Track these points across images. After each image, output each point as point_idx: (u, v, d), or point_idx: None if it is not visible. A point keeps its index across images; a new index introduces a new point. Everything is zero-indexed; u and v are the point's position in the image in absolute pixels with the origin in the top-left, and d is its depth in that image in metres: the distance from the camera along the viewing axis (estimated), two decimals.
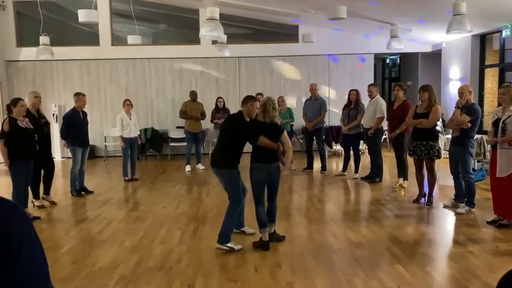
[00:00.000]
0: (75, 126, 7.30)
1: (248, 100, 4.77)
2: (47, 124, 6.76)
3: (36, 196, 6.69)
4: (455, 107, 5.81)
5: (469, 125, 5.61)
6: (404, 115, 6.69)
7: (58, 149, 10.83)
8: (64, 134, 7.42)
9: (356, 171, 8.40)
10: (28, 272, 0.88)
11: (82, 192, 7.52)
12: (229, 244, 4.54)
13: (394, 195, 7.01)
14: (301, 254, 4.44)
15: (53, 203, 6.80)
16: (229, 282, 3.78)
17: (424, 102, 6.12)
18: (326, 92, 12.07)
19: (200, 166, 9.78)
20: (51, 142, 6.91)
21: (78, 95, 7.55)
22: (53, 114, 11.50)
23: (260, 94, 9.40)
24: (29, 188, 6.46)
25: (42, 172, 6.78)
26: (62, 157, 11.18)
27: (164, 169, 10.11)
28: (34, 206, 6.58)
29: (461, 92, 5.73)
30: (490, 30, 9.51)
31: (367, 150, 9.26)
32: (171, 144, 11.82)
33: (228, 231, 4.60)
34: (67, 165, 10.90)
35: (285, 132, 4.71)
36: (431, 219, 5.79)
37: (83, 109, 7.56)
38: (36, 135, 6.22)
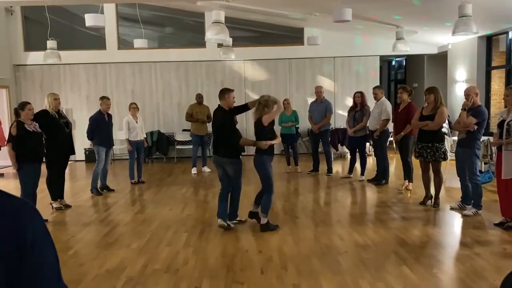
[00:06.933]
0: (99, 127, 7.73)
1: (224, 93, 5.41)
2: (68, 125, 6.83)
3: (55, 197, 6.76)
4: (462, 109, 5.80)
5: (476, 127, 5.59)
6: (409, 117, 6.69)
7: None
8: (89, 135, 7.82)
9: (362, 173, 8.39)
10: (40, 268, 0.90)
11: (104, 190, 7.91)
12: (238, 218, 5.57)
13: (400, 197, 6.99)
14: (308, 256, 4.44)
15: (67, 206, 6.85)
16: (235, 284, 3.80)
17: (430, 104, 6.11)
18: (332, 94, 12.06)
19: (206, 169, 9.81)
20: (73, 142, 7.00)
21: (103, 99, 7.94)
22: None
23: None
24: (48, 189, 6.68)
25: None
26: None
27: (170, 172, 10.15)
28: (52, 208, 6.65)
29: (467, 94, 5.71)
30: (496, 32, 9.47)
31: (373, 153, 9.25)
32: (177, 147, 11.86)
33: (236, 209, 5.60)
34: (73, 168, 10.98)
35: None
36: (437, 221, 5.77)
37: (108, 111, 7.95)
38: (45, 137, 6.31)
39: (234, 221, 5.56)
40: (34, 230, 0.90)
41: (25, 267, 0.87)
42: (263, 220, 5.31)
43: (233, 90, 5.56)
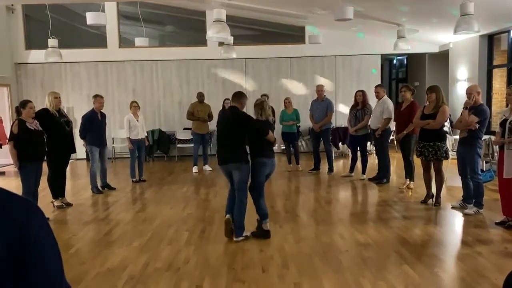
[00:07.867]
0: (92, 126, 7.63)
1: (241, 97, 5.12)
2: (68, 123, 6.82)
3: (56, 195, 6.76)
4: (463, 108, 5.78)
5: (477, 126, 5.58)
6: (411, 116, 6.68)
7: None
8: (82, 134, 7.72)
9: (363, 172, 8.39)
10: (44, 267, 0.89)
11: (105, 189, 7.87)
12: (244, 234, 4.96)
13: (401, 196, 6.99)
14: (309, 255, 4.44)
15: (68, 205, 6.85)
16: (236, 282, 3.80)
17: (432, 103, 6.10)
18: (333, 93, 12.05)
19: (207, 168, 9.81)
20: (73, 140, 7.01)
21: (96, 97, 7.87)
22: None
23: (266, 95, 9.40)
24: (50, 187, 6.69)
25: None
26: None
27: (171, 171, 10.15)
28: (54, 206, 6.66)
29: (469, 92, 5.71)
30: (498, 30, 9.45)
31: (374, 151, 9.24)
32: (178, 145, 11.85)
33: (242, 223, 4.97)
34: (74, 166, 10.98)
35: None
36: (439, 220, 5.77)
37: (102, 110, 7.85)
38: (46, 136, 6.31)
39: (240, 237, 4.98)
40: (37, 229, 0.89)
41: (29, 266, 0.87)
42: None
43: (247, 98, 5.33)
